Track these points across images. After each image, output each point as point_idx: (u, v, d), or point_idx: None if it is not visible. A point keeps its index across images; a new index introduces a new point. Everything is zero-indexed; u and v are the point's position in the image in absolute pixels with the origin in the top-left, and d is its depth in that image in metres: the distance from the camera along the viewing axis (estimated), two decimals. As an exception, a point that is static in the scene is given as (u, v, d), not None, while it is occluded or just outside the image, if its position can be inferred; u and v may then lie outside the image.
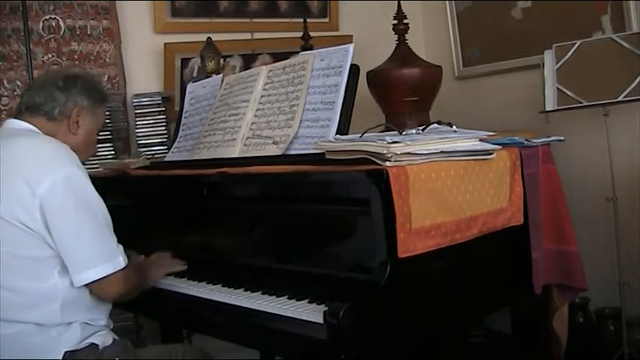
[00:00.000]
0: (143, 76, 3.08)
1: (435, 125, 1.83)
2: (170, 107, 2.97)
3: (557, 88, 2.42)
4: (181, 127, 2.50)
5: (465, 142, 1.76)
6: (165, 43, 3.03)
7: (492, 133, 1.89)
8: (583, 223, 2.43)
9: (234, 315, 1.77)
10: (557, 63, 2.45)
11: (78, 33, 2.92)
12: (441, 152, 1.70)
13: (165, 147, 2.83)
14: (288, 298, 1.69)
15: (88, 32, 2.94)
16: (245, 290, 1.82)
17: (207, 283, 1.94)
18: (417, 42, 3.16)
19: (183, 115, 2.52)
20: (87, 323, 1.74)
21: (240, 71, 3.01)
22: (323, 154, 1.78)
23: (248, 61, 3.24)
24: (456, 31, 3.45)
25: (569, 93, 2.40)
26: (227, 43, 3.06)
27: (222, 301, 1.80)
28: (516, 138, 2.05)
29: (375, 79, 2.68)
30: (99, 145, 2.69)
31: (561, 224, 2.13)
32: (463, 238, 1.75)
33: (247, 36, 3.30)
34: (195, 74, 3.07)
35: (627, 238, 2.60)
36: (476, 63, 3.39)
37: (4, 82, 2.78)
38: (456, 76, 3.47)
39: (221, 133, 2.18)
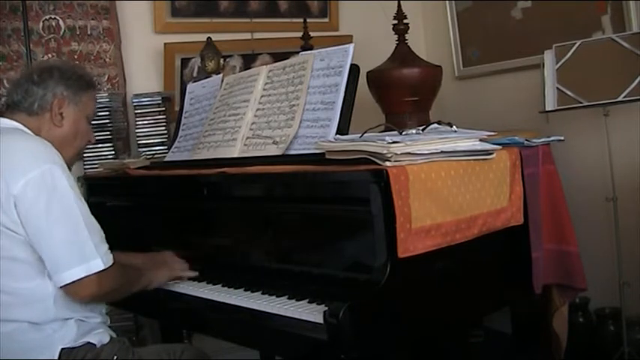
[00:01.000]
0: (143, 76, 3.08)
1: (435, 125, 1.83)
2: (170, 107, 2.97)
3: (557, 88, 2.42)
4: (181, 127, 2.50)
5: (465, 142, 1.76)
6: (165, 43, 3.03)
7: (492, 133, 1.89)
8: (583, 223, 2.44)
9: (234, 315, 1.77)
10: (557, 63, 2.45)
11: (78, 33, 2.92)
12: (441, 152, 1.70)
13: (165, 147, 2.83)
14: (288, 298, 1.70)
15: (88, 32, 2.94)
16: (245, 290, 1.82)
17: (207, 283, 1.94)
18: (417, 42, 3.15)
19: (183, 115, 2.52)
20: (82, 320, 1.72)
21: (240, 71, 3.01)
22: (323, 154, 1.78)
23: (248, 61, 3.24)
24: (456, 31, 3.45)
25: (569, 93, 2.40)
26: (227, 43, 3.06)
27: (222, 301, 1.80)
28: (516, 138, 2.05)
29: (375, 79, 2.68)
30: (99, 146, 2.70)
31: (561, 224, 2.13)
32: (463, 238, 1.75)
33: (247, 36, 3.30)
34: (195, 74, 3.07)
35: (627, 238, 2.60)
36: (476, 63, 3.39)
37: (4, 82, 2.77)
38: (456, 76, 3.47)
39: (221, 133, 2.18)
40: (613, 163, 2.55)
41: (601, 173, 2.70)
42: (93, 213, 1.73)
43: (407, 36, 2.75)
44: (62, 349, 1.67)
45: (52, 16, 2.88)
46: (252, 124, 2.11)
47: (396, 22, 2.74)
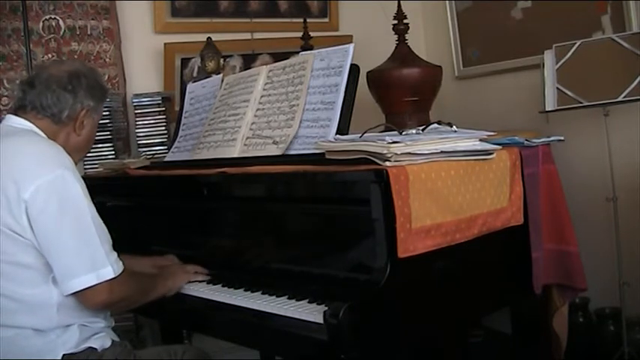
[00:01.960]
0: (143, 76, 3.08)
1: (435, 125, 1.83)
2: (170, 107, 2.97)
3: (557, 88, 2.42)
4: (181, 127, 2.50)
5: (465, 142, 1.76)
6: (165, 43, 3.03)
7: (492, 133, 1.89)
8: (583, 223, 2.44)
9: (234, 315, 1.77)
10: (557, 63, 2.45)
11: (78, 33, 2.92)
12: (441, 152, 1.70)
13: (165, 147, 2.83)
14: (288, 298, 1.70)
15: (88, 32, 2.94)
16: (245, 290, 1.82)
17: (208, 283, 1.94)
18: (417, 42, 3.15)
19: (183, 115, 2.52)
20: (85, 325, 1.72)
21: (240, 71, 3.01)
22: (323, 154, 1.78)
23: (248, 61, 3.24)
24: (456, 31, 3.45)
25: (569, 93, 2.40)
26: (227, 43, 3.06)
27: (222, 301, 1.80)
28: (516, 138, 2.05)
29: (375, 79, 2.67)
30: (99, 146, 2.70)
31: (561, 224, 2.13)
32: (463, 238, 1.75)
33: (247, 36, 3.30)
34: (195, 74, 3.07)
35: (627, 238, 2.59)
36: (476, 63, 3.39)
37: (4, 82, 2.78)
38: (456, 76, 3.47)
39: (221, 133, 2.18)
40: (613, 163, 2.55)
41: (601, 173, 2.70)
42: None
43: (407, 36, 2.74)
44: (64, 354, 1.67)
45: (52, 16, 2.88)
46: (252, 124, 2.11)
47: (396, 22, 2.74)
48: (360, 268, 1.64)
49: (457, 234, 1.73)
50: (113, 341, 1.78)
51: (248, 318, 1.72)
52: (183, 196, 2.20)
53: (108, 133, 2.79)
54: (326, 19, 3.49)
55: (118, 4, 3.01)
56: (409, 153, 1.62)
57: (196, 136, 2.34)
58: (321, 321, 1.51)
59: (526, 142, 2.06)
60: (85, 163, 2.74)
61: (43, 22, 2.86)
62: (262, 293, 1.77)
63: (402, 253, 1.58)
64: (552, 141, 2.15)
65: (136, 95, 2.93)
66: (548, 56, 2.49)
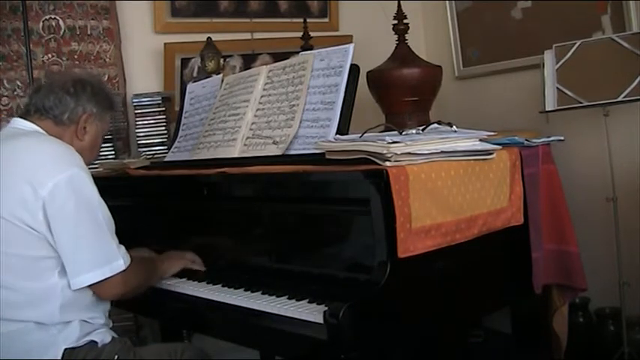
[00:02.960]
0: (143, 76, 3.08)
1: (435, 125, 1.83)
2: (170, 107, 2.96)
3: (557, 88, 2.42)
4: (181, 127, 2.50)
5: (465, 142, 1.77)
6: (165, 43, 3.03)
7: (492, 133, 1.89)
8: (583, 223, 2.44)
9: (234, 315, 1.77)
10: (557, 63, 2.45)
11: (78, 33, 2.92)
12: (441, 152, 1.70)
13: (165, 147, 2.83)
14: (288, 298, 1.70)
15: (88, 32, 2.94)
16: (245, 290, 1.82)
17: (207, 283, 1.94)
18: (417, 42, 3.15)
19: (183, 115, 2.52)
20: (85, 321, 1.74)
21: (240, 71, 3.01)
22: (323, 154, 1.78)
23: (248, 61, 3.24)
24: (456, 31, 3.45)
25: (569, 93, 2.40)
26: (227, 43, 3.06)
27: (222, 301, 1.80)
28: (516, 138, 2.05)
29: (375, 79, 2.67)
30: (99, 145, 2.70)
31: (561, 224, 2.13)
32: (463, 238, 1.75)
33: (247, 36, 3.30)
34: (195, 74, 3.06)
35: (627, 238, 2.59)
36: (476, 63, 3.39)
37: (4, 82, 2.78)
38: (456, 76, 3.46)
39: (221, 133, 2.18)
40: (613, 163, 2.55)
41: (601, 173, 2.70)
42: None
43: (407, 36, 2.74)
44: (65, 349, 1.68)
45: (52, 16, 2.88)
46: (252, 124, 2.11)
47: (396, 22, 2.74)
48: (360, 268, 1.64)
49: (457, 234, 1.73)
50: (113, 337, 1.80)
51: (248, 318, 1.72)
52: (183, 196, 2.20)
53: (108, 133, 2.79)
54: (326, 19, 3.49)
55: (118, 4, 3.01)
56: (409, 153, 1.62)
57: (196, 136, 2.34)
58: (321, 321, 1.51)
59: (526, 142, 2.06)
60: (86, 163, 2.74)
61: (43, 22, 2.86)
62: (262, 293, 1.77)
63: (402, 253, 1.58)
64: (552, 141, 2.15)
65: (136, 95, 2.93)
66: (548, 56, 2.49)
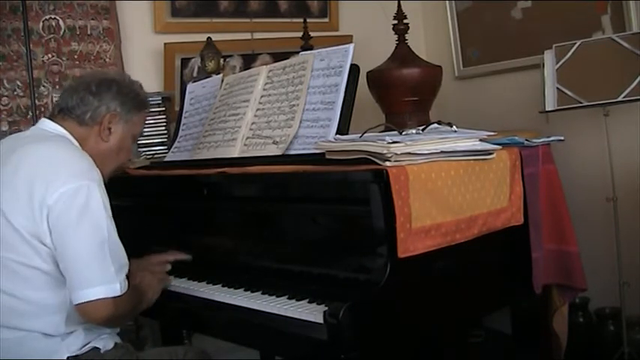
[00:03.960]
0: (143, 76, 3.04)
1: (435, 125, 1.83)
2: (170, 107, 2.96)
3: (557, 88, 2.42)
4: (181, 127, 2.50)
5: (465, 142, 1.77)
6: (165, 43, 3.03)
7: (492, 133, 1.89)
8: (583, 223, 2.43)
9: (234, 315, 1.77)
10: (557, 63, 2.45)
11: (78, 33, 2.92)
12: (441, 152, 1.70)
13: (165, 147, 2.83)
14: (288, 298, 1.70)
15: (88, 32, 2.94)
16: (245, 290, 1.82)
17: (207, 283, 1.94)
18: (417, 42, 3.15)
19: (183, 115, 2.52)
20: (89, 329, 1.72)
21: (240, 71, 3.01)
22: (323, 154, 1.78)
23: (248, 61, 3.23)
24: (456, 31, 3.45)
25: (569, 93, 2.40)
26: (227, 43, 3.06)
27: (222, 301, 1.80)
28: (516, 138, 2.05)
29: (375, 79, 2.67)
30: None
31: (561, 224, 2.13)
32: (463, 238, 1.75)
33: (247, 36, 3.30)
34: (195, 74, 3.06)
35: (627, 238, 2.59)
36: (476, 63, 3.39)
37: (4, 82, 2.77)
38: (456, 76, 3.47)
39: (221, 133, 2.18)
40: (613, 163, 2.55)
41: (601, 173, 2.70)
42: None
43: (407, 36, 2.74)
44: (68, 357, 1.67)
45: (52, 16, 2.88)
46: (252, 124, 2.11)
47: (396, 22, 2.74)
48: (360, 268, 1.64)
49: (457, 234, 1.73)
50: (116, 343, 1.78)
51: (248, 318, 1.72)
52: (183, 196, 2.20)
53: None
54: (326, 19, 3.49)
55: (118, 4, 3.00)
56: (409, 153, 1.62)
57: (196, 136, 2.34)
58: (321, 321, 1.51)
59: (526, 142, 2.06)
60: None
61: (43, 22, 2.86)
62: (262, 293, 1.77)
63: (402, 253, 1.58)
64: (552, 141, 2.15)
65: (136, 95, 2.92)
66: (548, 56, 2.49)
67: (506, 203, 1.92)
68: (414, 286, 1.64)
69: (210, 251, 2.10)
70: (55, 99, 2.83)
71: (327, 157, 1.76)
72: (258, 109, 2.12)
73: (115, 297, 1.63)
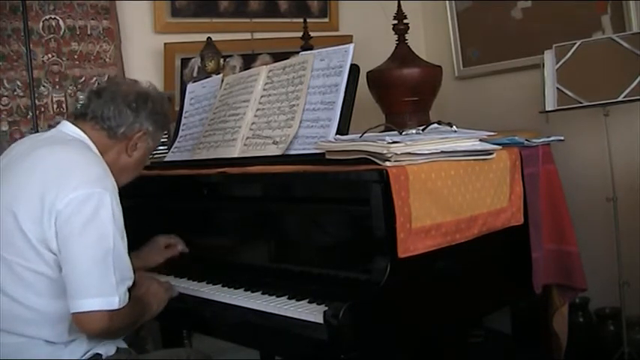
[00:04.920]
0: (143, 76, 3.03)
1: (435, 125, 1.83)
2: (170, 107, 2.96)
3: (557, 88, 2.42)
4: (181, 127, 2.50)
5: (465, 142, 1.77)
6: (165, 43, 3.03)
7: (492, 133, 1.89)
8: (583, 223, 2.44)
9: (234, 315, 1.77)
10: (557, 63, 2.45)
11: (78, 33, 2.92)
12: (441, 152, 1.70)
13: (165, 147, 2.83)
14: (288, 298, 1.70)
15: (88, 32, 2.94)
16: (245, 290, 1.82)
17: (207, 283, 1.94)
18: (417, 42, 3.15)
19: (183, 115, 2.52)
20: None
21: (240, 71, 3.01)
22: (323, 154, 1.78)
23: (248, 61, 3.23)
24: (456, 31, 3.45)
25: (569, 93, 2.40)
26: (227, 43, 3.06)
27: (222, 301, 1.80)
28: (516, 138, 2.06)
29: (375, 79, 2.67)
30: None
31: (561, 224, 2.13)
32: (463, 238, 1.75)
33: (247, 36, 3.30)
34: (195, 74, 3.06)
35: (627, 238, 2.59)
36: (476, 63, 3.39)
37: (4, 82, 2.77)
38: (456, 76, 3.47)
39: (221, 133, 2.18)
40: (613, 163, 2.55)
41: (601, 173, 2.70)
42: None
43: (407, 36, 2.74)
44: None
45: (52, 16, 2.88)
46: (252, 124, 2.11)
47: (396, 22, 2.74)
48: (360, 268, 1.64)
49: (457, 234, 1.73)
50: (118, 348, 1.76)
51: (248, 318, 1.72)
52: (183, 196, 2.20)
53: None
54: (326, 19, 3.49)
55: (118, 4, 3.00)
56: (409, 153, 1.62)
57: (196, 136, 2.34)
58: (321, 321, 1.51)
59: (526, 142, 2.06)
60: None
61: (43, 22, 2.86)
62: (262, 293, 1.77)
63: (402, 253, 1.58)
64: (552, 141, 2.15)
65: (136, 95, 2.92)
66: (548, 56, 2.49)
67: (506, 203, 1.92)
68: (414, 286, 1.64)
69: (210, 251, 2.10)
70: (55, 99, 2.84)
71: (327, 157, 1.76)
72: (258, 109, 2.12)
73: (111, 310, 1.57)
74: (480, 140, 1.81)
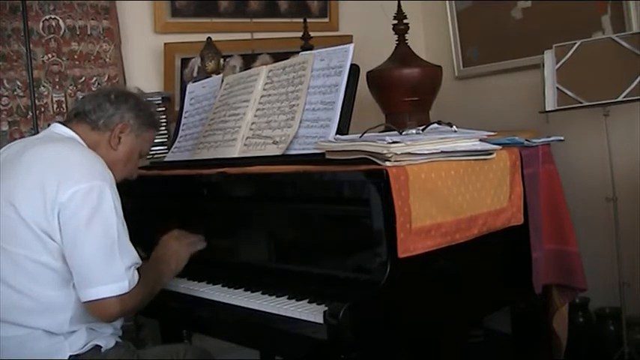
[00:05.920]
0: (143, 76, 3.07)
1: (435, 125, 1.83)
2: (170, 107, 2.96)
3: (557, 88, 2.42)
4: (181, 127, 2.50)
5: (465, 142, 1.77)
6: (165, 43, 3.03)
7: (492, 133, 1.89)
8: (583, 223, 2.43)
9: (234, 315, 1.77)
10: (557, 63, 2.45)
11: (78, 33, 2.92)
12: (441, 152, 1.70)
13: (165, 147, 2.83)
14: (288, 298, 1.70)
15: (88, 32, 2.94)
16: (245, 290, 1.82)
17: (207, 283, 1.94)
18: (417, 42, 3.15)
19: (184, 115, 2.52)
20: (92, 329, 1.73)
21: (240, 71, 3.01)
22: (323, 154, 1.78)
23: (248, 61, 3.23)
24: (456, 31, 3.45)
25: (569, 93, 2.40)
26: (227, 43, 3.06)
27: (222, 301, 1.80)
28: (516, 138, 2.06)
29: (375, 79, 2.68)
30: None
31: (561, 224, 2.13)
32: (463, 238, 1.75)
33: (247, 36, 3.30)
34: (195, 74, 3.06)
35: (627, 238, 2.59)
36: (476, 63, 3.39)
37: (4, 82, 2.77)
38: (456, 76, 3.47)
39: (221, 133, 2.18)
40: (613, 163, 2.55)
41: (601, 173, 2.70)
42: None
43: (407, 36, 2.75)
44: (70, 355, 1.67)
45: (52, 16, 2.88)
46: (252, 124, 2.11)
47: (396, 22, 2.74)
48: (360, 268, 1.64)
49: (457, 234, 1.73)
50: (117, 342, 1.79)
51: (248, 318, 1.72)
52: (183, 196, 2.20)
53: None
54: (326, 19, 3.49)
55: (118, 4, 3.00)
56: (409, 153, 1.62)
57: (196, 136, 2.34)
58: (321, 321, 1.51)
59: (526, 142, 2.06)
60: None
61: (43, 22, 2.86)
62: (262, 293, 1.77)
63: (402, 253, 1.58)
64: (552, 141, 2.15)
65: (136, 95, 2.93)
66: (548, 56, 2.49)
67: (506, 203, 1.92)
68: (414, 286, 1.64)
69: (210, 251, 2.10)
70: (55, 99, 2.84)
71: (327, 157, 1.76)
72: (258, 109, 2.12)
73: (122, 294, 1.63)
74: (480, 140, 1.81)
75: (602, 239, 2.74)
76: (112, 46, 2.98)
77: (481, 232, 1.82)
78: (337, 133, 1.87)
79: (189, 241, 1.99)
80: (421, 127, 1.78)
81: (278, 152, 1.96)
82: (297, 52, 2.31)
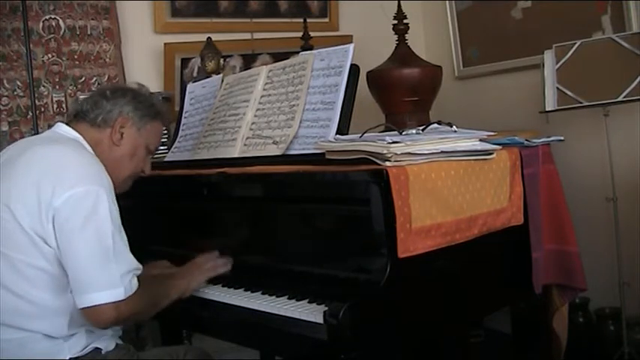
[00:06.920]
0: (143, 76, 3.07)
1: (435, 125, 1.83)
2: (170, 107, 2.96)
3: (557, 88, 2.42)
4: (181, 127, 2.50)
5: (465, 142, 1.77)
6: (165, 43, 3.03)
7: (492, 133, 1.89)
8: (583, 223, 2.44)
9: (234, 315, 1.77)
10: (557, 63, 2.45)
11: (78, 33, 2.92)
12: (441, 152, 1.70)
13: (166, 147, 2.83)
14: (288, 298, 1.70)
15: (88, 32, 2.94)
16: (245, 290, 1.82)
17: (208, 283, 1.94)
18: (417, 42, 3.15)
19: (184, 115, 2.52)
20: (92, 331, 1.71)
21: (240, 71, 3.01)
22: (323, 154, 1.78)
23: (248, 61, 3.24)
24: (456, 31, 3.45)
25: (569, 93, 2.40)
26: (227, 43, 3.06)
27: (222, 301, 1.80)
28: (516, 138, 2.06)
29: (375, 79, 2.68)
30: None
31: (561, 224, 2.13)
32: (463, 238, 1.75)
33: (247, 36, 3.30)
34: (195, 74, 3.07)
35: (627, 238, 2.60)
36: (476, 63, 3.39)
37: (4, 82, 2.77)
38: (456, 76, 3.47)
39: (221, 133, 2.18)
40: (613, 163, 2.55)
41: (601, 173, 2.70)
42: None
43: (407, 36, 2.75)
44: (70, 358, 1.66)
45: (52, 16, 2.88)
46: (252, 124, 2.11)
47: (396, 22, 2.74)
48: (360, 268, 1.64)
49: (457, 234, 1.73)
50: (117, 344, 1.78)
51: (248, 318, 1.72)
52: (183, 196, 2.20)
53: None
54: (326, 19, 3.49)
55: (118, 4, 3.01)
56: (409, 153, 1.62)
57: (196, 136, 2.34)
58: (321, 321, 1.51)
59: (526, 142, 2.06)
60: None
61: (43, 22, 2.86)
62: (262, 293, 1.77)
63: (402, 253, 1.58)
64: (552, 141, 2.15)
65: (136, 95, 2.93)
66: (548, 56, 2.49)
67: (506, 203, 1.92)
68: (414, 286, 1.64)
69: (209, 251, 2.10)
70: (55, 99, 2.85)
71: (327, 157, 1.76)
72: (258, 109, 2.12)
73: (117, 301, 1.59)
74: (480, 140, 1.81)
75: (602, 239, 2.74)
76: (112, 46, 2.99)
77: (481, 232, 1.82)
78: (337, 133, 1.87)
79: (209, 265, 1.92)
80: (421, 127, 1.78)
81: (278, 152, 1.96)
82: (297, 52, 2.31)
